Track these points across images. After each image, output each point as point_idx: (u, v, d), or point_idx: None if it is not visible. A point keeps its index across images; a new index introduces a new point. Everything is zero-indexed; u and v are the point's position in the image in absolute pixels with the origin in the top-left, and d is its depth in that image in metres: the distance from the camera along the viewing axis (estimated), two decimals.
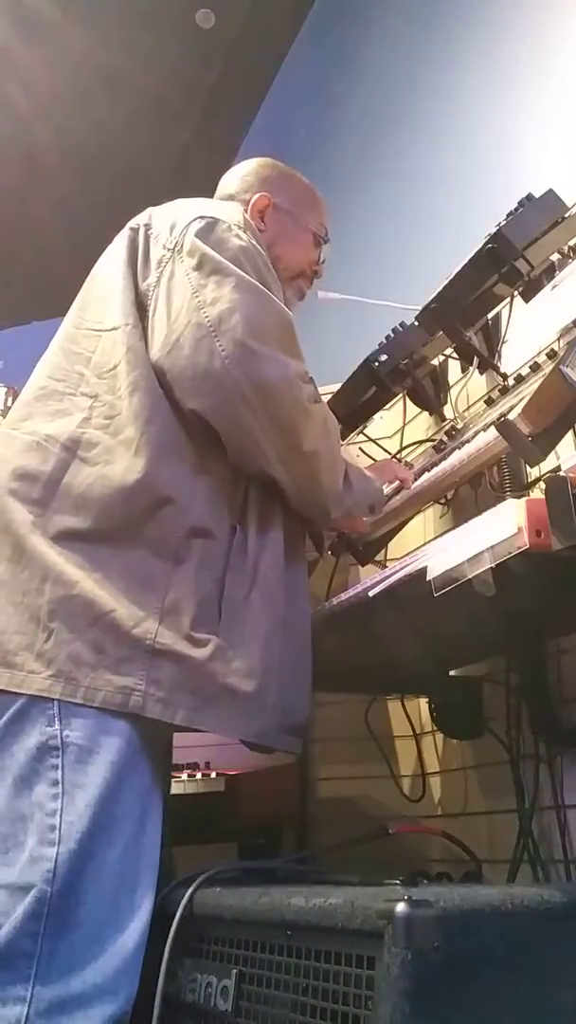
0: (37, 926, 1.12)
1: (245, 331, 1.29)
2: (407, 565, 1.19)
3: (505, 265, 1.48)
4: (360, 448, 2.10)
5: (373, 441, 2.13)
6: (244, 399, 1.30)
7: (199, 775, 1.94)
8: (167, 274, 1.38)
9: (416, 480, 1.63)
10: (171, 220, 1.43)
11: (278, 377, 1.31)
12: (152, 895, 1.21)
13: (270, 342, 1.32)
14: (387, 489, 1.64)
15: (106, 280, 1.47)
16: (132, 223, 1.49)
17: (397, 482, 1.65)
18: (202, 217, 1.40)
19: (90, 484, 1.31)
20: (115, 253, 1.48)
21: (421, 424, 2.12)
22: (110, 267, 1.47)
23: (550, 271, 1.51)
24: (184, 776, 1.92)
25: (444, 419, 1.95)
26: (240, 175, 1.68)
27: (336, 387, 1.93)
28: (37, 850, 1.16)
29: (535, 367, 1.41)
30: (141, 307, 1.40)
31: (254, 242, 1.41)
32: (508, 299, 1.66)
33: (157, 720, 1.23)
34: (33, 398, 1.43)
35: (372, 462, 1.85)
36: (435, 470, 1.56)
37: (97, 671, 1.22)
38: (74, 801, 1.18)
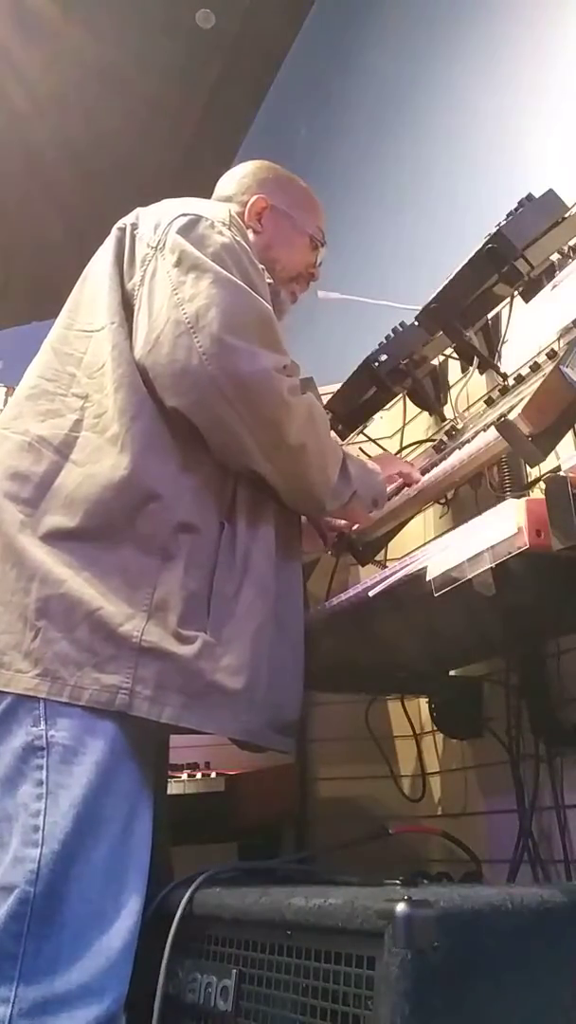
0: (20, 927, 1.12)
1: (221, 326, 1.29)
2: (407, 565, 1.19)
3: (505, 265, 1.48)
4: (360, 448, 2.10)
5: (373, 441, 2.13)
6: (222, 395, 1.30)
7: (199, 775, 1.94)
8: (150, 272, 1.38)
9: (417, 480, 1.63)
10: (156, 219, 1.43)
11: (255, 371, 1.30)
12: (140, 896, 1.20)
13: (248, 336, 1.32)
14: (390, 487, 1.63)
15: (95, 281, 1.47)
16: (120, 223, 1.50)
17: (399, 480, 1.64)
18: (185, 214, 1.40)
19: (79, 483, 1.31)
20: (104, 254, 1.48)
21: (421, 424, 2.12)
22: (99, 268, 1.48)
23: (550, 271, 1.51)
24: (184, 776, 1.92)
25: (444, 419, 1.95)
26: (237, 177, 1.69)
27: (336, 387, 1.93)
28: (20, 851, 1.16)
29: (535, 367, 1.41)
30: (128, 306, 1.40)
31: (239, 239, 1.41)
32: (508, 299, 1.66)
33: (145, 719, 1.22)
34: (24, 397, 1.43)
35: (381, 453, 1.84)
36: (435, 470, 1.56)
37: (84, 670, 1.22)
38: (58, 802, 1.17)
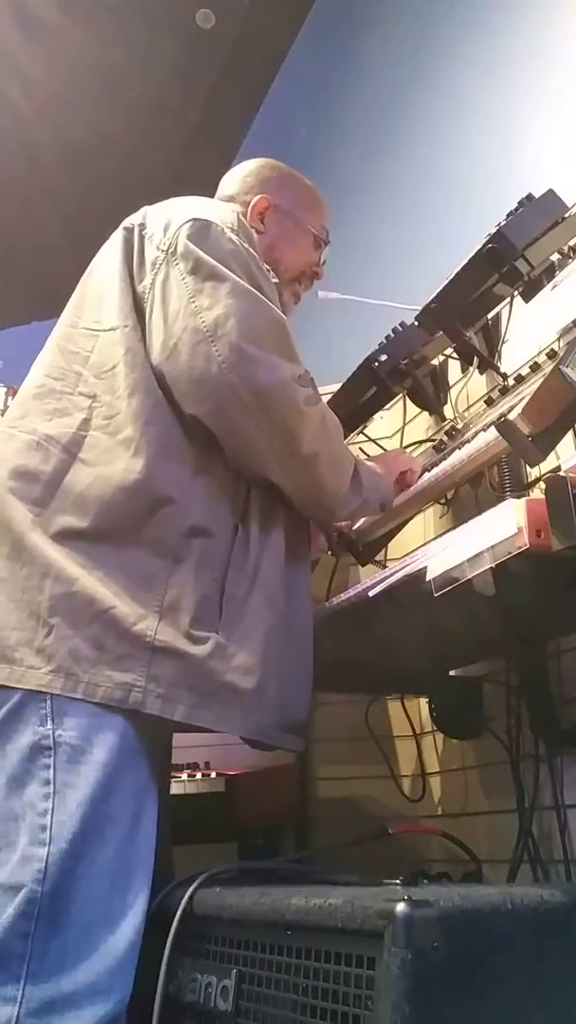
0: (28, 926, 1.12)
1: (240, 336, 1.30)
2: (407, 565, 1.19)
3: (505, 265, 1.48)
4: (360, 448, 2.10)
5: (373, 441, 2.13)
6: (241, 403, 1.30)
7: (199, 775, 1.94)
8: (161, 276, 1.38)
9: (416, 480, 1.63)
10: (165, 220, 1.43)
11: (273, 380, 1.31)
12: (146, 895, 1.20)
13: (265, 346, 1.32)
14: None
15: (102, 280, 1.47)
16: (127, 222, 1.49)
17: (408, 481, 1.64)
18: (195, 219, 1.40)
19: (89, 484, 1.31)
20: (111, 253, 1.47)
21: (421, 424, 2.12)
22: (106, 267, 1.47)
23: (550, 271, 1.51)
24: (184, 776, 1.92)
25: (444, 419, 1.96)
26: (240, 176, 1.68)
27: (336, 387, 1.93)
28: (28, 850, 1.15)
29: (535, 367, 1.41)
30: (139, 309, 1.40)
31: (245, 244, 1.41)
32: (508, 299, 1.66)
33: (153, 719, 1.23)
34: (31, 396, 1.43)
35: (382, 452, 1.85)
36: (435, 470, 1.56)
37: (97, 667, 1.22)
38: (65, 801, 1.17)
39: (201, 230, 1.38)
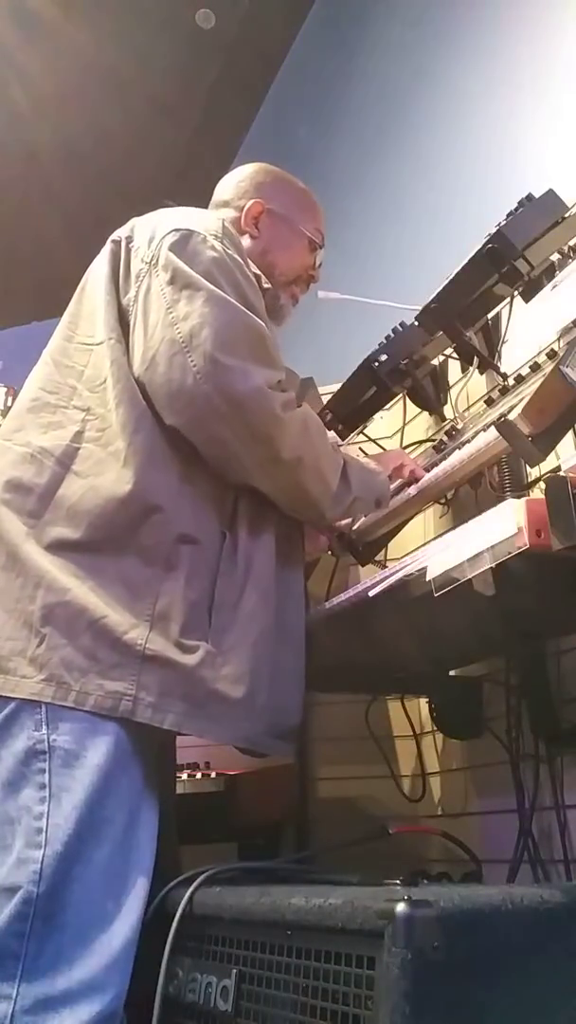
0: (23, 926, 1.13)
1: (214, 345, 1.30)
2: (407, 565, 1.19)
3: (505, 265, 1.48)
4: (360, 448, 2.10)
5: (373, 441, 2.13)
6: (217, 413, 1.31)
7: (199, 775, 1.94)
8: (144, 288, 1.39)
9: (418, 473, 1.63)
10: (150, 233, 1.44)
11: (248, 388, 1.32)
12: (142, 896, 1.21)
13: (240, 354, 1.33)
14: (394, 485, 1.63)
15: (93, 294, 1.48)
16: (115, 236, 1.50)
17: (407, 475, 1.64)
18: (177, 230, 1.40)
19: (82, 496, 1.32)
20: (100, 267, 1.49)
21: (421, 424, 2.12)
22: (96, 281, 1.48)
23: (550, 271, 1.51)
24: (184, 776, 1.92)
25: (444, 419, 1.95)
26: (235, 181, 1.69)
27: (336, 387, 1.93)
28: (24, 852, 1.17)
29: (535, 367, 1.41)
30: (124, 321, 1.41)
31: (230, 252, 1.41)
32: (508, 299, 1.66)
33: (147, 725, 1.24)
34: (25, 410, 1.44)
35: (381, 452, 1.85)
36: (435, 470, 1.56)
37: (88, 676, 1.23)
38: (60, 804, 1.18)
39: (182, 240, 1.39)
